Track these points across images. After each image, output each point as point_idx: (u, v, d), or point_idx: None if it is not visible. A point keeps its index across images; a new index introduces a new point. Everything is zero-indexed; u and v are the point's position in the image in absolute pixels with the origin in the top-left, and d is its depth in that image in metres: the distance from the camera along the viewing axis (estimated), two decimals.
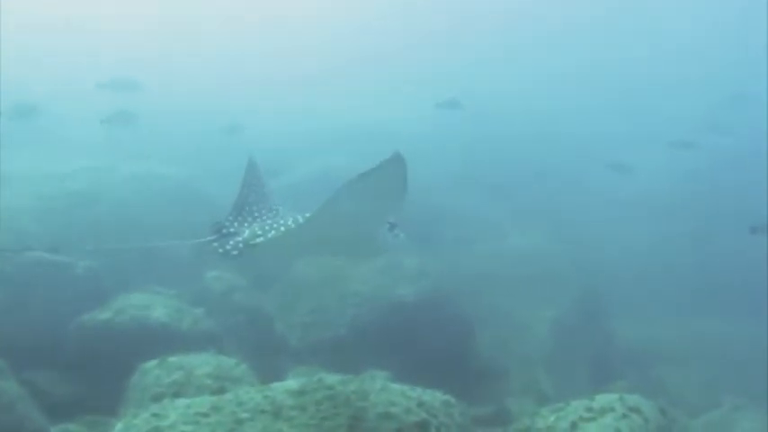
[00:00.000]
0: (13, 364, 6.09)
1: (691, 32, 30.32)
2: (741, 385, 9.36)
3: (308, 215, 4.62)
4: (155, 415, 4.29)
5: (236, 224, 5.21)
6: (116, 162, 12.14)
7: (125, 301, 7.50)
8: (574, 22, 31.33)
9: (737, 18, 29.31)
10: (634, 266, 13.47)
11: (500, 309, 10.73)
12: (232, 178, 5.99)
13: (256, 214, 5.38)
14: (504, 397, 8.35)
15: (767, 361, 9.19)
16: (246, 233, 4.98)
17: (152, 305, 7.47)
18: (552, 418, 4.82)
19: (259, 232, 4.90)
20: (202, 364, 5.71)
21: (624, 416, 4.69)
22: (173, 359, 5.74)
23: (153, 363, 5.74)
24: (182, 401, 4.47)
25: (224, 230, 5.06)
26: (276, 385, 4.66)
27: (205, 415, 4.25)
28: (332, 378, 4.70)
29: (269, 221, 5.14)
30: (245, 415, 4.27)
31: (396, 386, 4.74)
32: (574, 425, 4.68)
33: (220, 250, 4.86)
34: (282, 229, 4.84)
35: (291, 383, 4.66)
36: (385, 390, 4.64)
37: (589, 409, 4.79)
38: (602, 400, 4.87)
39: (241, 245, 4.85)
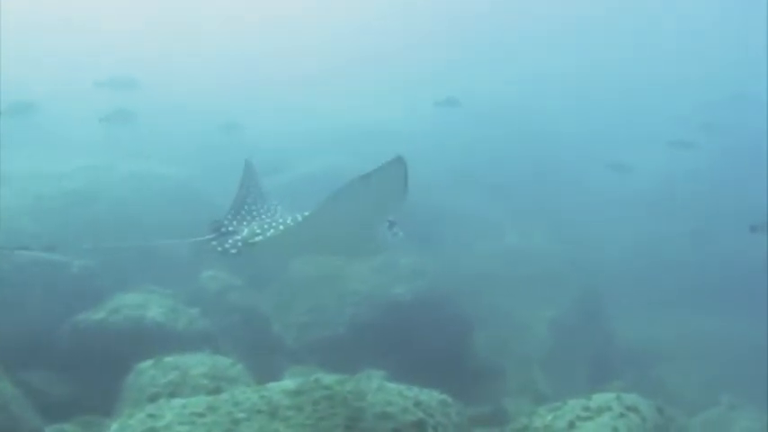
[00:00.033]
0: (7, 364, 6.05)
1: (689, 32, 30.34)
2: (739, 384, 9.35)
3: (306, 214, 4.61)
4: (150, 415, 4.27)
5: (234, 223, 5.23)
6: (114, 161, 12.11)
7: (120, 300, 7.47)
8: (573, 22, 31.35)
9: (736, 17, 29.34)
10: (633, 266, 13.49)
11: (498, 308, 10.73)
12: (230, 178, 6.00)
13: (255, 213, 5.41)
14: (501, 396, 8.34)
15: (765, 360, 9.18)
16: (245, 232, 5.00)
17: (147, 305, 7.44)
18: (549, 418, 4.80)
19: (258, 231, 4.90)
20: (198, 364, 5.69)
21: (621, 415, 4.68)
22: (168, 359, 5.72)
23: (148, 363, 5.72)
24: (177, 401, 4.44)
25: (223, 229, 5.08)
26: (273, 385, 4.64)
27: (201, 415, 4.23)
28: (329, 378, 4.68)
29: (268, 220, 5.15)
30: (241, 415, 4.24)
31: (393, 386, 4.73)
32: (571, 424, 4.66)
33: (219, 249, 4.87)
34: (281, 227, 4.83)
35: (288, 383, 4.64)
36: (382, 389, 4.62)
37: (586, 409, 4.77)
38: (599, 399, 4.86)
39: (240, 243, 4.86)
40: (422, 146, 16.09)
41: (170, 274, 9.09)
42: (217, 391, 5.13)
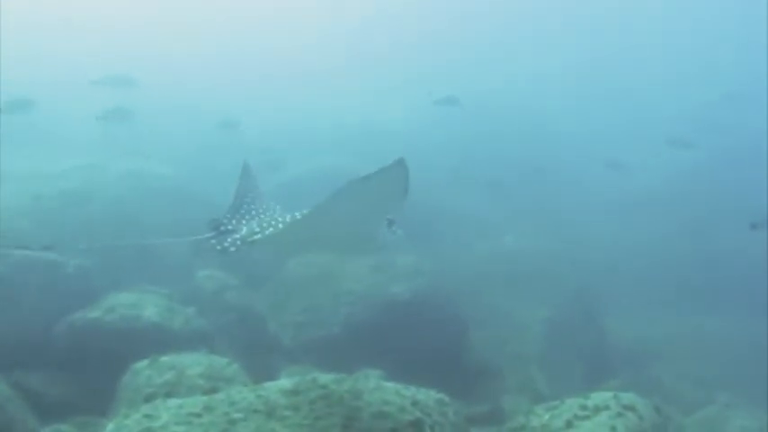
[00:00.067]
0: (3, 365, 6.03)
1: (689, 31, 30.43)
2: (737, 383, 9.38)
3: (305, 212, 4.61)
4: (146, 415, 4.25)
5: (233, 221, 5.24)
6: (111, 160, 12.08)
7: (116, 300, 7.43)
8: (572, 21, 31.41)
9: (736, 16, 29.41)
10: (632, 265, 13.51)
11: (496, 307, 10.72)
12: (227, 177, 6.01)
13: (254, 212, 5.42)
14: (498, 395, 8.33)
15: (764, 359, 9.21)
16: (244, 230, 5.01)
17: (143, 304, 7.40)
18: (547, 417, 4.81)
19: (257, 229, 4.92)
20: (194, 363, 5.67)
21: (619, 414, 4.68)
22: (164, 359, 5.70)
23: (144, 363, 5.70)
24: (174, 401, 4.43)
25: (222, 228, 5.09)
26: (269, 385, 4.63)
27: (197, 415, 4.22)
28: (325, 377, 4.68)
29: (267, 219, 5.16)
30: (237, 415, 4.23)
31: (390, 385, 4.72)
32: (569, 423, 4.66)
33: (218, 247, 4.87)
34: (280, 226, 4.85)
35: (284, 383, 4.63)
36: (379, 389, 4.62)
37: (584, 408, 4.78)
38: (596, 398, 4.87)
39: (239, 242, 4.87)
40: (420, 145, 16.12)
41: (166, 274, 9.07)
42: (213, 390, 5.11)
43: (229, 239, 4.90)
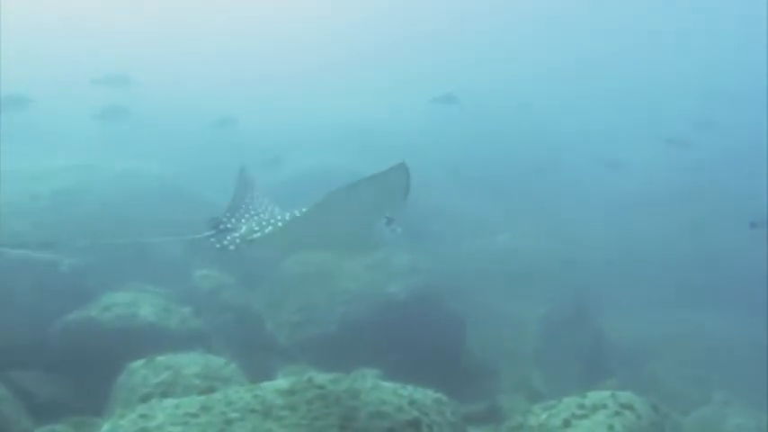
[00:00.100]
0: None
1: (688, 30, 30.50)
2: (735, 382, 9.39)
3: (305, 210, 4.61)
4: (142, 416, 4.23)
5: (233, 220, 5.23)
6: (107, 159, 12.03)
7: (111, 299, 7.39)
8: (572, 21, 31.47)
9: (735, 15, 29.48)
10: (629, 264, 13.52)
11: (493, 306, 10.72)
12: (224, 176, 5.99)
13: (253, 212, 5.41)
14: (495, 394, 8.32)
15: (762, 358, 9.22)
16: (244, 229, 5.02)
17: (138, 303, 7.37)
18: (544, 416, 4.81)
19: (256, 228, 4.93)
20: (191, 363, 5.65)
21: (617, 413, 4.68)
22: (160, 358, 5.67)
23: (140, 362, 5.66)
24: (170, 402, 4.41)
25: (221, 226, 5.09)
26: (266, 384, 4.62)
27: (194, 415, 4.20)
28: (322, 377, 4.66)
29: (266, 217, 5.19)
30: (234, 415, 4.21)
31: (387, 384, 4.71)
32: (566, 422, 4.66)
33: (218, 245, 4.88)
34: (279, 224, 4.84)
35: (281, 383, 4.61)
36: (376, 388, 4.60)
37: (581, 407, 4.78)
38: (594, 397, 4.87)
39: (238, 240, 4.88)
40: (419, 144, 16.12)
41: (162, 273, 9.03)
42: (210, 390, 5.09)
43: (228, 238, 4.91)
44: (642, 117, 20.81)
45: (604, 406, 4.75)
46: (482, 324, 9.93)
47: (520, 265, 12.07)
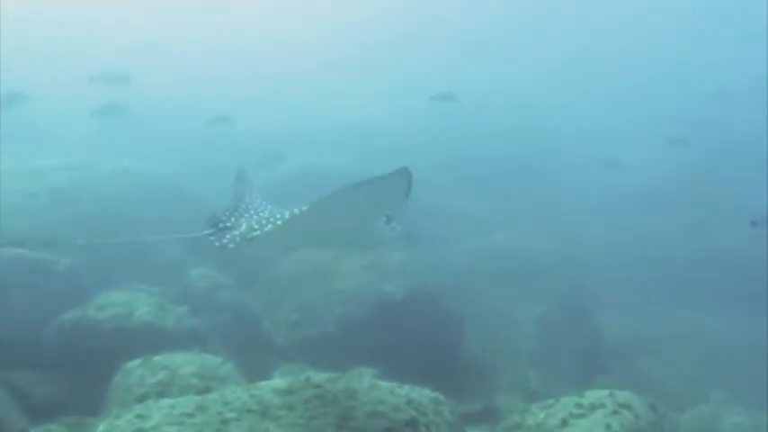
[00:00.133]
0: None
1: (687, 29, 30.52)
2: (734, 382, 9.38)
3: (305, 208, 4.60)
4: (138, 416, 4.22)
5: (232, 219, 5.23)
6: (104, 157, 12.00)
7: (107, 299, 7.36)
8: (571, 21, 31.50)
9: (735, 15, 29.49)
10: (629, 263, 13.51)
11: (489, 305, 10.70)
12: (222, 175, 5.98)
13: (252, 211, 5.40)
14: (492, 394, 8.31)
15: (761, 358, 9.21)
16: (243, 227, 5.01)
17: (135, 303, 7.33)
18: (542, 415, 4.80)
19: (256, 226, 4.93)
20: (187, 363, 5.64)
21: (615, 412, 4.67)
22: (157, 358, 5.66)
23: (136, 362, 5.66)
24: (166, 402, 4.40)
25: (221, 225, 5.10)
26: (263, 384, 4.61)
27: (190, 415, 4.18)
28: (319, 376, 4.65)
29: (266, 216, 5.17)
30: (231, 415, 4.20)
31: (384, 384, 4.70)
32: (564, 421, 4.65)
33: (217, 244, 4.88)
34: (279, 222, 4.83)
35: (278, 382, 4.61)
36: (373, 388, 4.59)
37: (579, 406, 4.77)
38: (592, 396, 4.86)
39: (238, 238, 4.88)
40: (418, 144, 16.11)
41: (158, 273, 9.02)
42: (206, 390, 5.08)
43: (228, 236, 4.91)
44: (642, 117, 20.81)
45: (602, 405, 4.74)
46: (480, 323, 9.91)
47: (518, 264, 12.07)
